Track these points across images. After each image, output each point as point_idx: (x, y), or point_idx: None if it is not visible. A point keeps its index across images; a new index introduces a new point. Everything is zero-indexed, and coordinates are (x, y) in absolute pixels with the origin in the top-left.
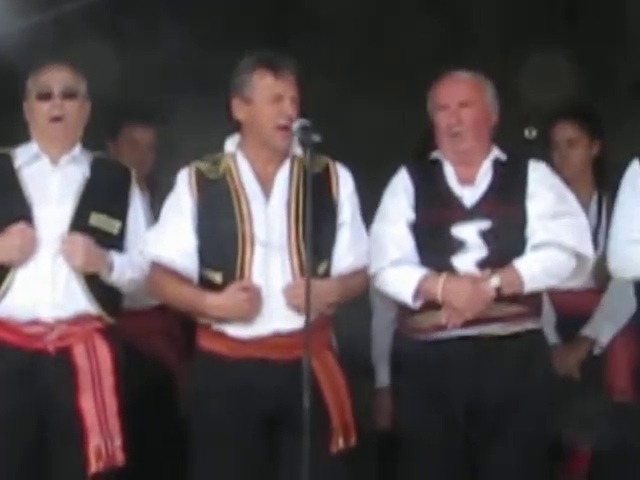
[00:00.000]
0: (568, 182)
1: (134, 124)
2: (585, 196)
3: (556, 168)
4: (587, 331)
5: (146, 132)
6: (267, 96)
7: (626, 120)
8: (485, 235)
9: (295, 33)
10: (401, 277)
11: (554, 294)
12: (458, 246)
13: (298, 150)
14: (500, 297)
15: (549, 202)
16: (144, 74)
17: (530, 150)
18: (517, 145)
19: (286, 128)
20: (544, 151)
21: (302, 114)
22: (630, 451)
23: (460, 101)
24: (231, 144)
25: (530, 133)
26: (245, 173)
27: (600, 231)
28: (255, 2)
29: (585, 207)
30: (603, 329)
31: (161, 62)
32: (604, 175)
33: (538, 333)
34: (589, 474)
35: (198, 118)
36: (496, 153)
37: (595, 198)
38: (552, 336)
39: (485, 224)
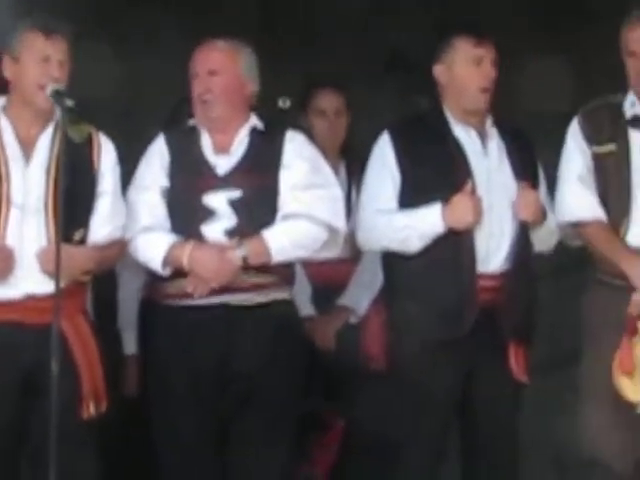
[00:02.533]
0: (328, 152)
1: None
2: (335, 166)
3: (318, 137)
4: (343, 301)
5: None
6: (34, 56)
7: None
8: (235, 204)
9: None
10: (151, 244)
11: (309, 265)
12: (208, 214)
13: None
14: (247, 267)
15: (302, 173)
16: None
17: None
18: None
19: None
20: (298, 120)
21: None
22: (383, 421)
23: (209, 69)
24: None
25: (284, 103)
26: (7, 134)
27: (351, 201)
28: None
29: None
30: (359, 298)
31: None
32: (351, 145)
33: (288, 303)
34: (343, 445)
35: None
36: (254, 122)
37: (343, 168)
38: (308, 307)
39: (236, 193)
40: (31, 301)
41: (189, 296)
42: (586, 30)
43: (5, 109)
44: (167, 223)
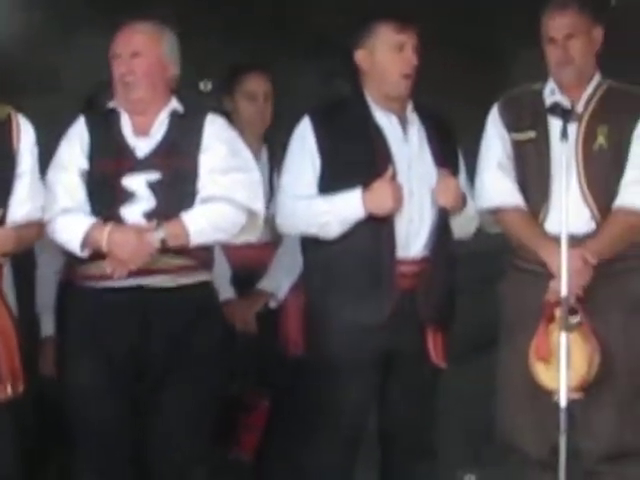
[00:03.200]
0: (253, 135)
1: None
2: (257, 149)
3: (246, 121)
4: (263, 284)
5: None
6: None
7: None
8: (154, 187)
9: None
10: (69, 226)
11: (228, 248)
12: (127, 197)
13: None
14: (166, 249)
15: (221, 156)
16: None
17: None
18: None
19: None
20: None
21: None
22: (306, 404)
23: (132, 51)
24: None
25: (205, 86)
26: None
27: (273, 185)
28: None
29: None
30: (279, 283)
31: None
32: (272, 130)
33: (207, 286)
34: (267, 427)
35: None
36: (174, 105)
37: (265, 152)
38: (228, 290)
39: (155, 175)
40: None
41: (107, 278)
42: None
43: None
44: (86, 205)
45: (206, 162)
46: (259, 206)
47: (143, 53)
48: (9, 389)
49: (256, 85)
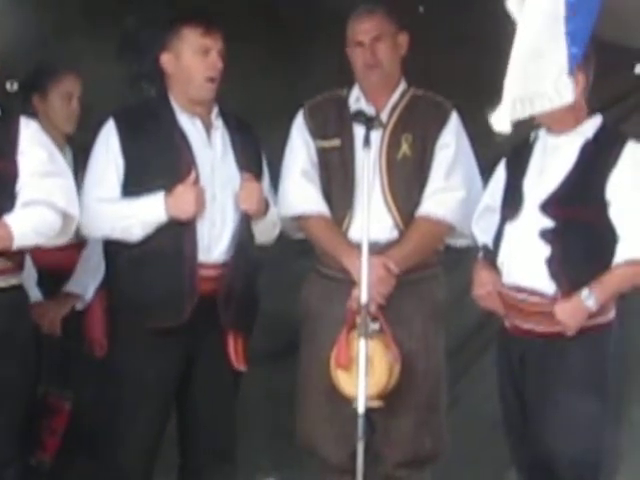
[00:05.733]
0: (57, 137)
1: None
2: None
3: (58, 120)
4: (70, 287)
5: None
6: None
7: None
8: None
9: None
10: None
11: (34, 250)
12: None
13: None
14: None
15: (41, 160)
16: None
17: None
18: None
19: None
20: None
21: None
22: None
23: None
24: None
25: (12, 86)
26: None
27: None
28: None
29: None
30: (85, 284)
31: None
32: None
33: (20, 288)
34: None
35: None
36: None
37: (70, 154)
38: (35, 292)
39: None
40: None
41: None
42: None
43: None
44: None
45: (25, 166)
46: (75, 210)
47: None
48: None
49: (72, 86)
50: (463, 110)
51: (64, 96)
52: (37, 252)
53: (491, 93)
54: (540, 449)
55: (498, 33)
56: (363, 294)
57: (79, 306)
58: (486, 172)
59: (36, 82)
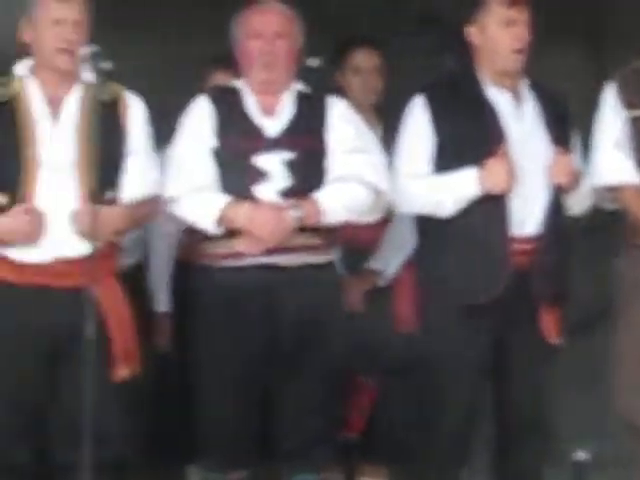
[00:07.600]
0: (362, 111)
1: None
2: (374, 126)
3: (352, 95)
4: (374, 263)
5: None
6: (49, 19)
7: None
8: (288, 165)
9: None
10: (203, 203)
11: (342, 226)
12: (260, 176)
13: (89, 76)
14: (301, 228)
15: (349, 137)
16: None
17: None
18: None
19: (67, 51)
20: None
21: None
22: (415, 382)
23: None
24: (22, 67)
25: (313, 62)
26: (34, 96)
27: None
28: None
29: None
30: (389, 261)
31: None
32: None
33: (332, 265)
34: (373, 408)
35: None
36: (297, 85)
37: (380, 129)
38: (338, 268)
39: (288, 155)
40: (61, 264)
41: (236, 256)
42: None
43: (32, 70)
44: (216, 183)
45: (334, 142)
46: (385, 186)
47: (285, 34)
48: (124, 371)
49: (363, 60)
50: None
51: (355, 70)
52: (344, 228)
53: None
54: None
55: None
56: None
57: (382, 282)
58: None
59: (334, 57)
